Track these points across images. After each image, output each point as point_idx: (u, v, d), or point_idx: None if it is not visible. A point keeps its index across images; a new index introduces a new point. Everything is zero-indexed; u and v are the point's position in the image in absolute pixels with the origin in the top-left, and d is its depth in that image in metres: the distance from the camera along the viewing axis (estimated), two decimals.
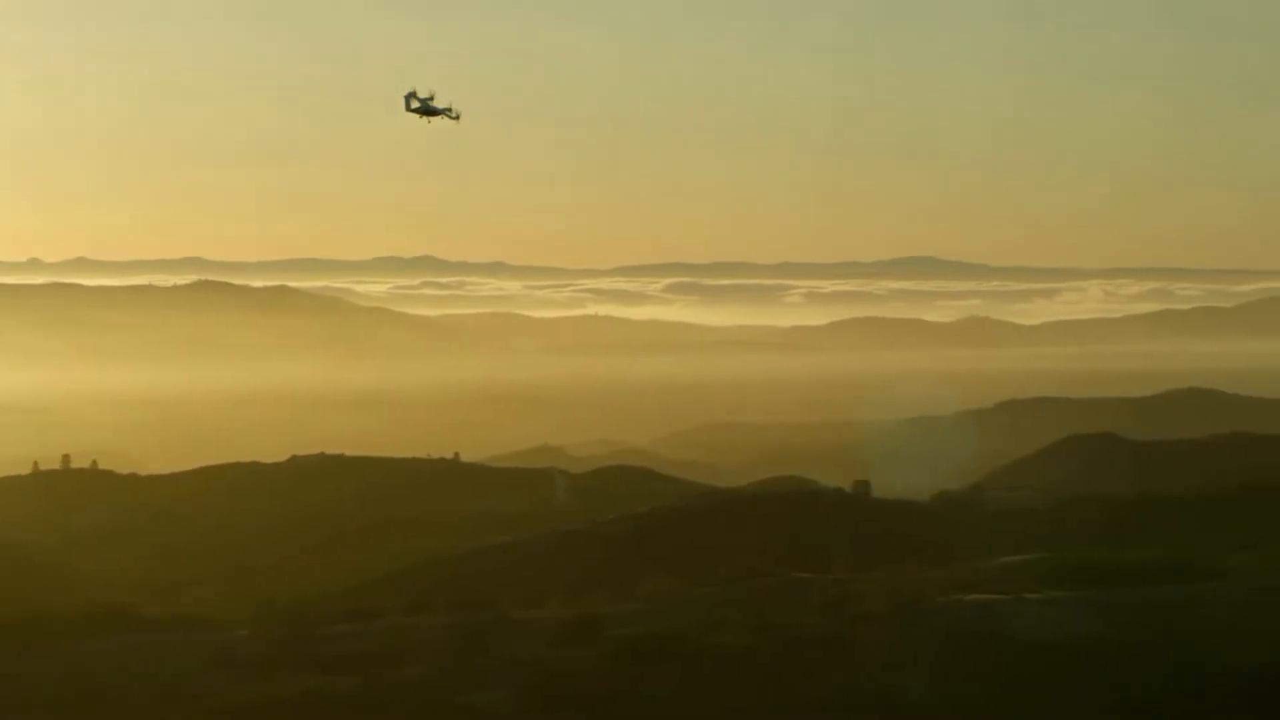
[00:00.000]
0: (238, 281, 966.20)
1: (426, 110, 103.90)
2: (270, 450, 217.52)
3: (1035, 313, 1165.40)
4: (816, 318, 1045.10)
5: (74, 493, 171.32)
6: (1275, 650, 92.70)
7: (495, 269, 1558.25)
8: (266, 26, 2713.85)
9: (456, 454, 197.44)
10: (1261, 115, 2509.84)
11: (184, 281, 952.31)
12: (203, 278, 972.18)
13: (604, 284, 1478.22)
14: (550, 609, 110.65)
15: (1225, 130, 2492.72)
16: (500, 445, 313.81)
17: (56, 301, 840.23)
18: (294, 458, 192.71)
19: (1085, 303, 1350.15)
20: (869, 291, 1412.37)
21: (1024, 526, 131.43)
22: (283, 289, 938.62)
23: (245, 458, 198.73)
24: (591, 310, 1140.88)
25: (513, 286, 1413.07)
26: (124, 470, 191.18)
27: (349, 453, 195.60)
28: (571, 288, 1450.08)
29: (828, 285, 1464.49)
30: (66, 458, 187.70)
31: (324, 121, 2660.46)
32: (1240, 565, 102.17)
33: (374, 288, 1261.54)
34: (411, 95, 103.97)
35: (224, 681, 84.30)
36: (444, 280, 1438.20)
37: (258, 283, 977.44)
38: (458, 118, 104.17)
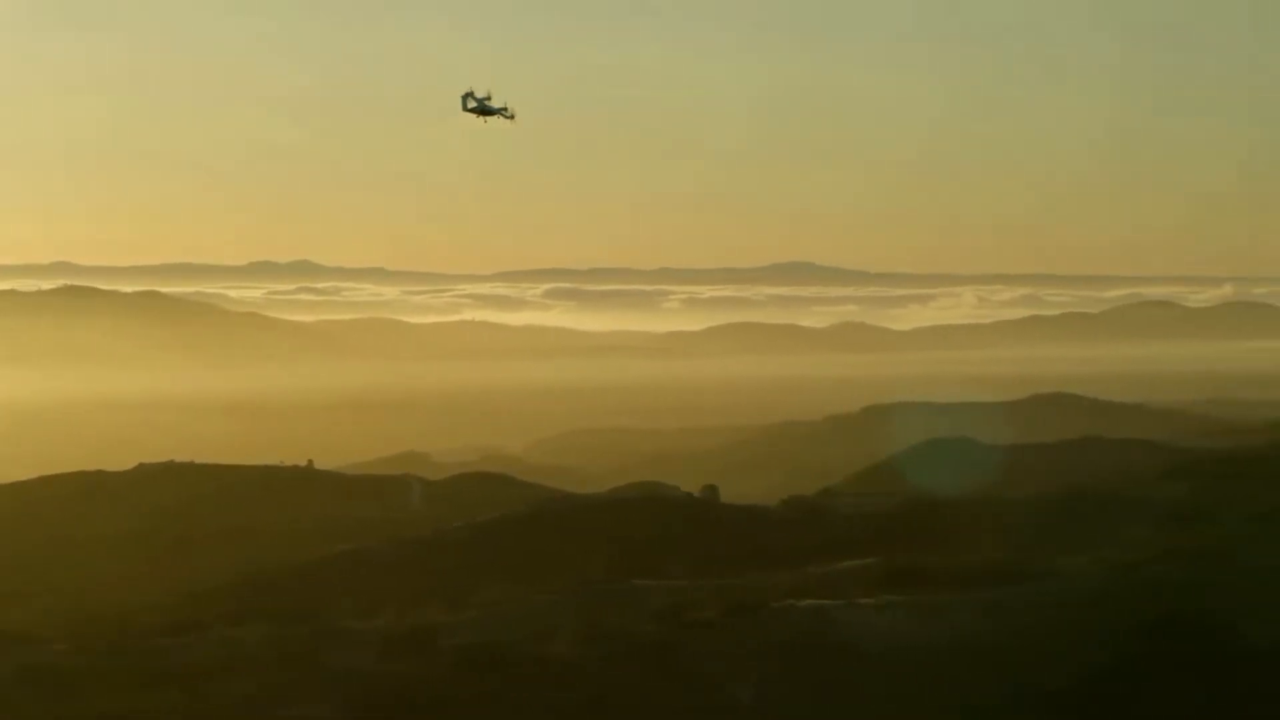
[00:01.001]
0: (106, 287, 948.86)
1: (483, 110, 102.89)
2: (130, 459, 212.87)
3: (909, 318, 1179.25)
4: (693, 323, 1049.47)
5: None
6: (1103, 653, 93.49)
7: (373, 274, 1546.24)
8: (126, 29, 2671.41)
9: (310, 461, 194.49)
10: (1131, 123, 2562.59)
11: (50, 286, 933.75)
12: (70, 283, 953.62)
13: (483, 289, 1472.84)
14: (384, 619, 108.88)
15: (1096, 139, 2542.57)
16: (366, 452, 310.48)
17: None
18: (140, 465, 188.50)
19: (959, 308, 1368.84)
20: (746, 297, 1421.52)
21: (869, 531, 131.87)
22: (152, 294, 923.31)
23: (105, 466, 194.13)
24: (469, 316, 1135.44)
25: (390, 292, 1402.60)
26: None
27: (199, 460, 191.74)
28: (450, 293, 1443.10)
29: (706, 291, 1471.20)
30: None
31: (198, 124, 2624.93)
32: (1069, 568, 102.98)
33: (248, 293, 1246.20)
34: (469, 95, 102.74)
35: (32, 698, 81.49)
36: (320, 286, 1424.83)
37: (127, 288, 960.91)
38: (513, 117, 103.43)
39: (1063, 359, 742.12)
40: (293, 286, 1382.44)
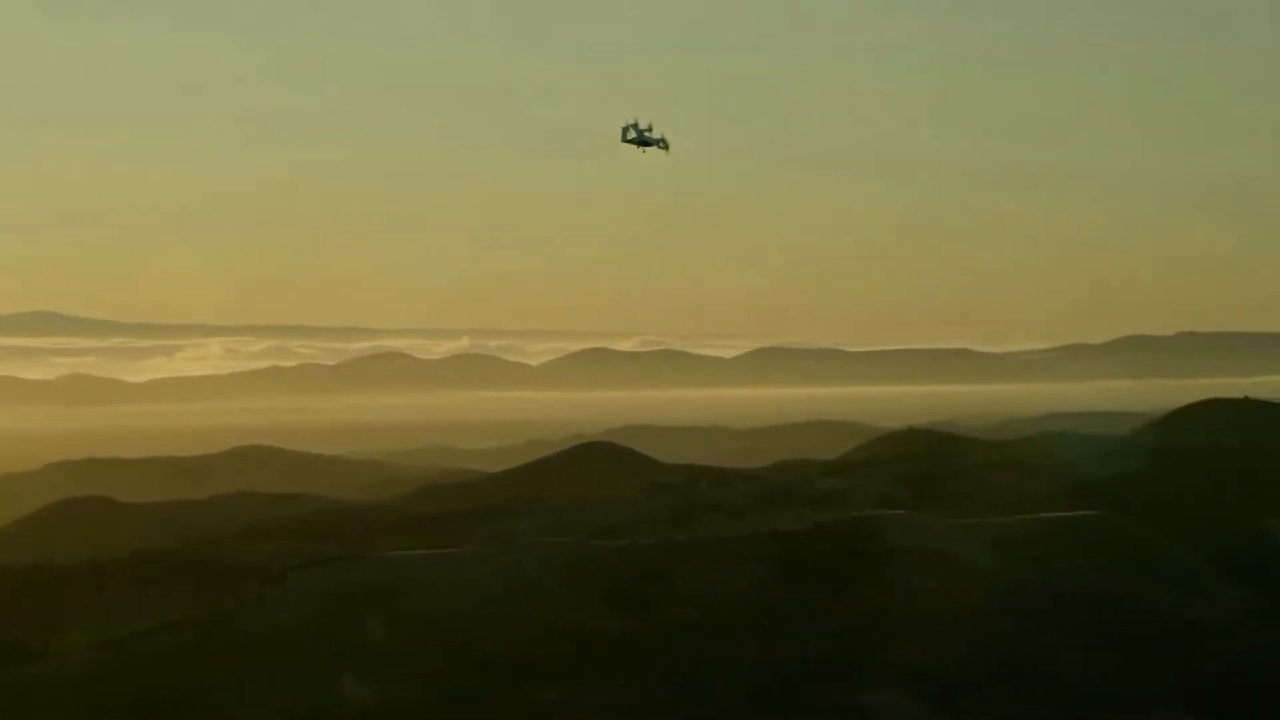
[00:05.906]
0: None
1: (642, 141, 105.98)
2: None
3: (150, 369, 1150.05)
4: None
5: None
6: None
7: None
8: None
9: None
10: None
11: None
12: None
13: None
14: None
15: (428, 194, 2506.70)
16: None
17: None
18: None
19: (206, 360, 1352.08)
20: None
21: None
22: None
23: None
24: None
25: None
26: None
27: None
28: None
29: None
30: None
31: None
32: (64, 646, 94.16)
33: None
34: (631, 126, 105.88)
35: None
36: None
37: None
38: (667, 148, 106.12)
39: (290, 410, 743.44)
40: None
